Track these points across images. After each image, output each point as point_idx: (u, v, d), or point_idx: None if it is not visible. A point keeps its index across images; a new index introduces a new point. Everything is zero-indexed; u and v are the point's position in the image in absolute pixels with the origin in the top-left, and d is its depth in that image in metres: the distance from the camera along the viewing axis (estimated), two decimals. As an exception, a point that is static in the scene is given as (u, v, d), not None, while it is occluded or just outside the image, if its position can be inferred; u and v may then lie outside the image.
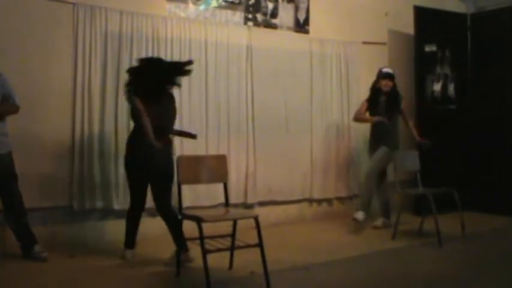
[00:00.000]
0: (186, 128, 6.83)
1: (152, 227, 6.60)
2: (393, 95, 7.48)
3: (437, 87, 8.96)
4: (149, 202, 6.45)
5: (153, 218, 6.65)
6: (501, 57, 8.83)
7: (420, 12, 8.72)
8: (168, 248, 5.39)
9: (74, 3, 6.28)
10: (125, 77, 6.45)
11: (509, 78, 8.69)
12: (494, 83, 8.91)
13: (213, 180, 5.35)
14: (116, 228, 6.40)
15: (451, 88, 9.12)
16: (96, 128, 6.36)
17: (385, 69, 7.57)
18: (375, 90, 7.55)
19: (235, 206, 7.06)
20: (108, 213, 6.47)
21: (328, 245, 6.43)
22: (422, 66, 8.79)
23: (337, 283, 5.00)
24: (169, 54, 6.82)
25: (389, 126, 7.39)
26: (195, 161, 5.14)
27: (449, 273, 5.26)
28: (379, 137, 7.44)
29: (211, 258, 4.54)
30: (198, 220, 4.51)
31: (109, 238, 6.32)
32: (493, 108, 8.85)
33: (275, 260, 5.09)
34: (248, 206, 7.41)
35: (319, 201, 8.20)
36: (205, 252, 4.46)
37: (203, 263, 4.42)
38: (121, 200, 6.46)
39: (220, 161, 5.29)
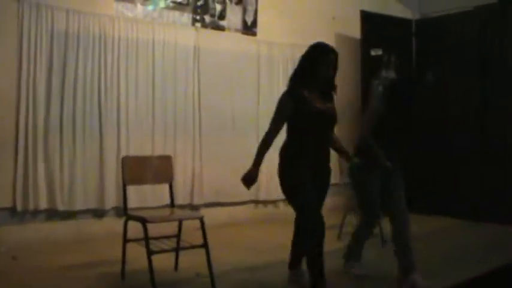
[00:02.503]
0: (132, 127, 6.82)
1: (97, 228, 6.57)
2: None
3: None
4: (90, 204, 6.43)
5: (97, 219, 6.64)
6: (444, 62, 9.01)
7: (366, 17, 8.86)
8: (113, 249, 5.33)
9: (18, 1, 6.18)
10: (70, 76, 6.40)
11: (452, 83, 8.89)
12: (437, 87, 9.08)
13: (158, 180, 5.31)
14: (61, 230, 6.35)
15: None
16: (40, 127, 6.27)
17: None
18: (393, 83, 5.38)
19: (182, 207, 7.06)
20: (52, 214, 6.39)
21: (274, 246, 6.45)
22: (368, 70, 8.91)
23: (282, 284, 5.03)
24: (116, 55, 6.79)
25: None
26: (141, 162, 5.12)
27: (389, 271, 5.34)
28: (390, 153, 4.92)
29: (157, 260, 4.53)
30: (143, 221, 4.49)
31: (54, 239, 6.24)
32: (436, 111, 9.03)
33: (221, 261, 5.12)
34: (194, 207, 7.41)
35: (265, 203, 8.25)
36: (150, 253, 4.45)
37: (148, 264, 4.42)
38: (66, 201, 6.40)
39: (166, 161, 5.27)
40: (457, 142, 8.82)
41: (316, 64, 4.52)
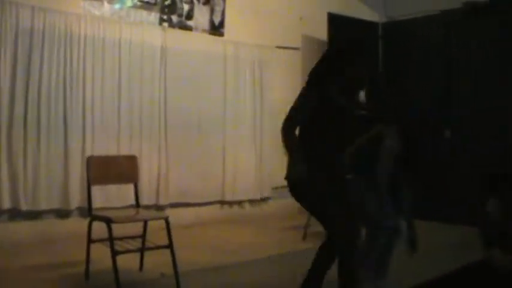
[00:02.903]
0: (97, 127, 6.76)
1: (61, 228, 6.50)
2: None
3: (348, 93, 9.15)
4: (54, 204, 6.36)
5: (61, 219, 6.56)
6: (410, 65, 9.15)
7: (333, 19, 8.90)
8: (78, 250, 5.29)
9: (-18, -3, 6.11)
10: (35, 75, 6.31)
11: (418, 85, 8.99)
12: (403, 90, 9.18)
13: (123, 180, 5.30)
14: (25, 230, 6.27)
15: (362, 94, 9.31)
16: (4, 126, 6.17)
17: None
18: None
19: (148, 207, 7.03)
20: (15, 214, 6.30)
21: (239, 247, 6.47)
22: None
23: (248, 284, 5.04)
24: (82, 53, 6.72)
25: None
26: (106, 162, 5.09)
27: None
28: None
29: (122, 260, 4.52)
30: (108, 221, 4.47)
31: (17, 240, 6.16)
32: (402, 114, 9.10)
33: (186, 261, 5.10)
34: (160, 208, 7.38)
35: (231, 204, 8.25)
36: (114, 253, 4.43)
37: (113, 265, 4.39)
38: (29, 201, 6.32)
39: (131, 161, 5.25)
40: (426, 146, 8.90)
41: (347, 65, 4.08)
